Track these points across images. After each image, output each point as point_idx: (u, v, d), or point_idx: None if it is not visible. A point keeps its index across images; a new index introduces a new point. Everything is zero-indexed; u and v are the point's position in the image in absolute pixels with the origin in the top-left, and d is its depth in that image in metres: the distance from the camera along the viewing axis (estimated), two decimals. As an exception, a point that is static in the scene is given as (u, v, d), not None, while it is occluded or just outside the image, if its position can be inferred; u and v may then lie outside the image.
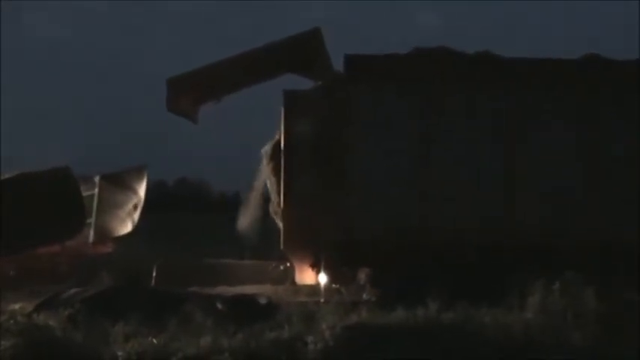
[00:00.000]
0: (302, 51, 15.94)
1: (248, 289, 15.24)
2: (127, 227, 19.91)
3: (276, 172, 16.07)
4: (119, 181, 19.98)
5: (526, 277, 12.06)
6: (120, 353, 10.19)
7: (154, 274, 17.13)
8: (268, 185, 16.58)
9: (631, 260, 14.19)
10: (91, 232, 19.00)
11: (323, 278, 14.60)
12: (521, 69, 15.34)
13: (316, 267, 14.91)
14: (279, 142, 15.94)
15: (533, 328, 10.96)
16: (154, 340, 10.55)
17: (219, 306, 12.33)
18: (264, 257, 18.66)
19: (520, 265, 13.42)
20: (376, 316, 11.14)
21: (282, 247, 15.41)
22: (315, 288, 15.35)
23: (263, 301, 12.97)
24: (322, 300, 13.53)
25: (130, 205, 20.08)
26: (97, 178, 19.48)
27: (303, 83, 16.20)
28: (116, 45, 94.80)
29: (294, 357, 10.20)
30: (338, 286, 14.66)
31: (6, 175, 18.06)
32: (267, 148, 16.48)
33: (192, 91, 16.46)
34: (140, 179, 20.22)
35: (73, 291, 13.75)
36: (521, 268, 12.92)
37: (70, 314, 11.48)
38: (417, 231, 14.81)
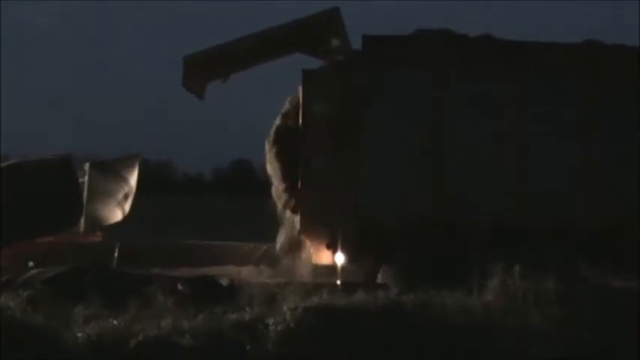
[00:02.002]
0: (320, 30, 15.89)
1: (211, 271, 15.21)
2: (117, 216, 19.63)
3: (279, 156, 16.13)
4: (110, 169, 19.67)
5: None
6: (80, 335, 10.14)
7: (115, 255, 17.05)
8: (270, 171, 16.55)
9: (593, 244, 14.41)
10: (82, 221, 18.66)
11: (340, 258, 14.56)
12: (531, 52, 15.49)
13: (333, 247, 14.81)
14: (283, 125, 16.11)
15: (494, 310, 11.06)
16: (115, 322, 10.50)
17: (180, 287, 12.29)
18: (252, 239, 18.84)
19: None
20: (338, 298, 11.15)
21: (298, 227, 15.35)
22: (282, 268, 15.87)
23: (225, 282, 12.97)
24: (338, 281, 13.76)
25: (121, 195, 19.79)
26: (86, 166, 19.10)
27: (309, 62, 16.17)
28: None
29: (255, 339, 10.20)
30: (353, 267, 14.68)
31: (3, 164, 17.72)
32: (270, 133, 16.51)
33: (205, 68, 16.44)
34: (131, 168, 19.93)
35: (33, 272, 13.64)
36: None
37: (30, 295, 11.39)
38: (431, 213, 15.00)
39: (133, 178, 19.79)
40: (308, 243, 15.37)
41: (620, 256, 14.20)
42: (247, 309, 11.02)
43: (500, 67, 15.42)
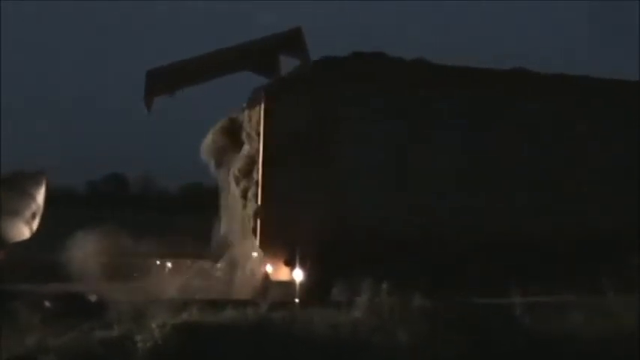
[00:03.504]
0: (283, 49, 16.38)
1: (79, 287, 14.95)
2: (25, 234, 19.08)
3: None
4: (16, 186, 19.11)
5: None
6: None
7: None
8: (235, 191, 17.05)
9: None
10: None
11: (298, 275, 14.56)
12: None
13: (291, 264, 14.91)
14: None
15: (362, 327, 11.23)
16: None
17: (47, 304, 12.04)
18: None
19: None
20: (206, 315, 11.14)
21: (257, 243, 15.54)
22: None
23: (93, 298, 12.76)
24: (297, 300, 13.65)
25: (29, 213, 19.22)
26: None
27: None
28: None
29: (124, 356, 10.08)
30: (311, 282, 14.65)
31: None
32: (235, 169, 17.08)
33: (165, 82, 16.46)
34: (38, 185, 19.38)
35: None
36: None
37: None
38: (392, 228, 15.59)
39: (40, 196, 19.33)
40: (265, 259, 15.52)
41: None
42: (115, 326, 10.86)
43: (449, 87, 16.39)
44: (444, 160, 16.20)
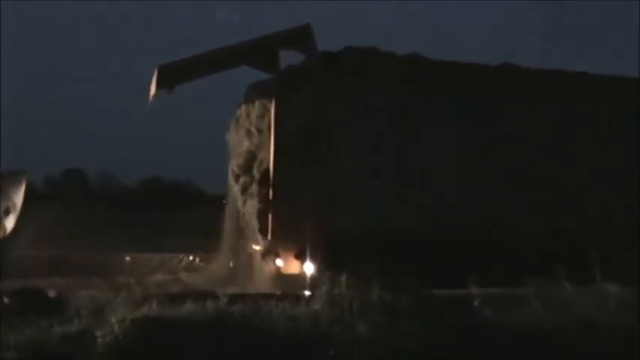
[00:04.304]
0: (291, 45, 16.36)
1: (38, 283, 14.92)
2: None
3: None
4: None
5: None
6: None
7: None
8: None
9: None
10: None
11: (309, 268, 14.75)
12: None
13: (301, 257, 15.12)
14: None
15: (321, 319, 11.34)
16: None
17: (5, 300, 12.02)
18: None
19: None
20: (166, 309, 11.19)
21: (269, 236, 15.62)
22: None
23: (52, 294, 12.75)
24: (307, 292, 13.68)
25: (1, 212, 19.11)
26: None
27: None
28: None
29: (83, 351, 10.09)
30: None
31: None
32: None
33: (173, 77, 16.37)
34: (17, 185, 19.29)
35: None
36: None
37: None
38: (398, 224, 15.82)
39: (18, 195, 19.25)
40: (277, 253, 15.62)
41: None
42: (75, 321, 10.87)
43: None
44: (447, 157, 16.55)
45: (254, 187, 16.44)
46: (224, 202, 18.60)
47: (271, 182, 15.84)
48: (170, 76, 16.19)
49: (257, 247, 16.33)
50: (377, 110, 16.24)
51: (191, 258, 20.49)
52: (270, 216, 15.74)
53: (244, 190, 16.96)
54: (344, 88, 16.02)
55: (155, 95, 16.17)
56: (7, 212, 18.87)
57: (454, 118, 16.66)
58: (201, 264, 20.19)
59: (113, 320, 10.56)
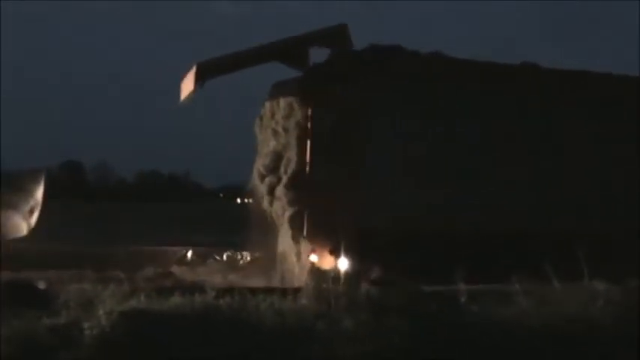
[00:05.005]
0: (329, 44, 16.86)
1: (30, 275, 14.98)
2: (22, 230, 19.15)
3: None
4: (15, 183, 19.21)
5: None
6: None
7: None
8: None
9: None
10: None
11: (343, 263, 14.83)
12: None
13: (335, 253, 15.25)
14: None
15: (306, 313, 11.42)
16: None
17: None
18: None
19: None
20: (154, 302, 11.26)
21: (304, 233, 15.97)
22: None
23: (41, 286, 12.81)
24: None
25: (27, 208, 19.31)
26: None
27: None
28: None
29: (71, 343, 10.14)
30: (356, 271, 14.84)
31: None
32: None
33: (209, 74, 16.79)
34: (37, 182, 19.51)
35: None
36: None
37: None
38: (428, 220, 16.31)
39: (39, 192, 19.48)
40: (311, 248, 15.77)
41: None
42: (63, 313, 10.94)
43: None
44: (482, 154, 17.02)
45: (282, 190, 16.63)
46: (221, 195, 18.85)
47: (306, 183, 16.13)
48: (207, 72, 16.53)
49: (292, 245, 16.52)
50: (406, 108, 16.63)
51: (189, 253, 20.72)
52: (305, 218, 16.08)
53: (271, 190, 17.14)
54: (374, 87, 16.35)
55: (194, 91, 16.48)
56: (32, 211, 19.22)
57: (486, 115, 17.10)
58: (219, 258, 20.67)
59: (101, 312, 10.62)
